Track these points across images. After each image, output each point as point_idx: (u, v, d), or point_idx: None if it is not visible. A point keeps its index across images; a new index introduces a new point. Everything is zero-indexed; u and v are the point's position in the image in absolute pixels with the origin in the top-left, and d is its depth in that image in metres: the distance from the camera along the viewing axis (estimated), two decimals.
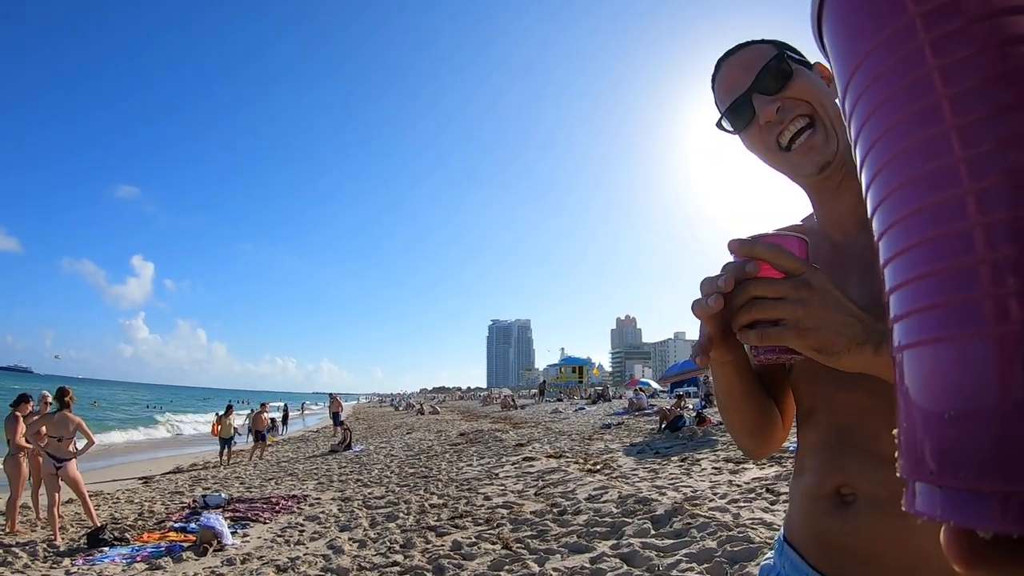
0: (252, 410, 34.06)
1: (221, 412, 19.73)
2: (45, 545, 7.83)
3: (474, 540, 6.58)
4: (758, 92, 1.10)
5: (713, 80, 1.20)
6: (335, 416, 22.12)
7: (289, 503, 10.09)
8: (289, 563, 6.49)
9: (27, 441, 8.69)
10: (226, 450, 18.36)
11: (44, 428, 8.29)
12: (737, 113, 1.14)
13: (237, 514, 9.21)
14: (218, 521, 7.72)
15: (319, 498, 10.55)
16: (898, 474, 0.33)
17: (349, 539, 7.38)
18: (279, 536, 7.90)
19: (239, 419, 30.75)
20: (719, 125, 1.20)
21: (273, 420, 38.99)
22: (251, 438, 20.49)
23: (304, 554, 6.84)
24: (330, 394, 21.93)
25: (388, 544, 6.85)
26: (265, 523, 8.74)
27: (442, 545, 6.54)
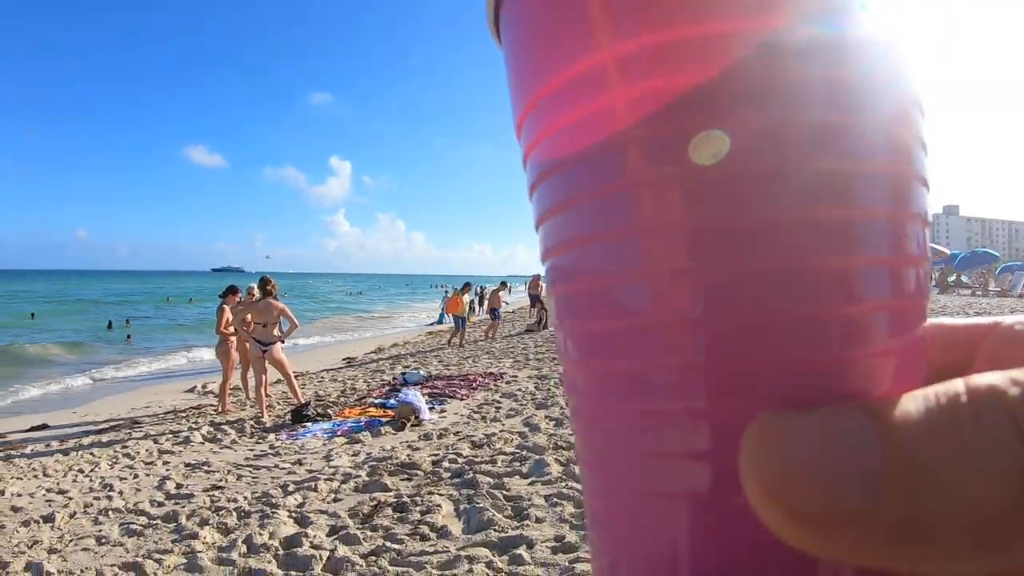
0: (446, 293, 35.31)
1: (457, 288, 18.27)
2: (252, 422, 8.08)
3: None
4: None
5: None
6: (533, 297, 21.86)
7: (486, 380, 9.86)
8: (484, 439, 6.11)
9: (233, 329, 8.97)
10: (461, 329, 17.03)
11: (249, 315, 8.42)
12: None
13: (435, 391, 9.08)
14: (416, 397, 7.52)
15: (516, 376, 10.25)
16: None
17: (546, 417, 6.91)
18: (475, 412, 7.61)
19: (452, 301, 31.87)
20: None
21: (472, 302, 40.29)
22: (486, 315, 20.39)
23: (500, 431, 6.45)
24: (532, 277, 21.59)
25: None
26: (462, 400, 8.52)
27: None
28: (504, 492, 4.55)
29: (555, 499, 4.34)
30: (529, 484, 4.75)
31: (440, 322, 30.38)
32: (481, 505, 4.27)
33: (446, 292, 36.44)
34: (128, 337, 24.28)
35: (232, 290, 9.32)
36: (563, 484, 4.64)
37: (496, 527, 3.95)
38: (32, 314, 38.69)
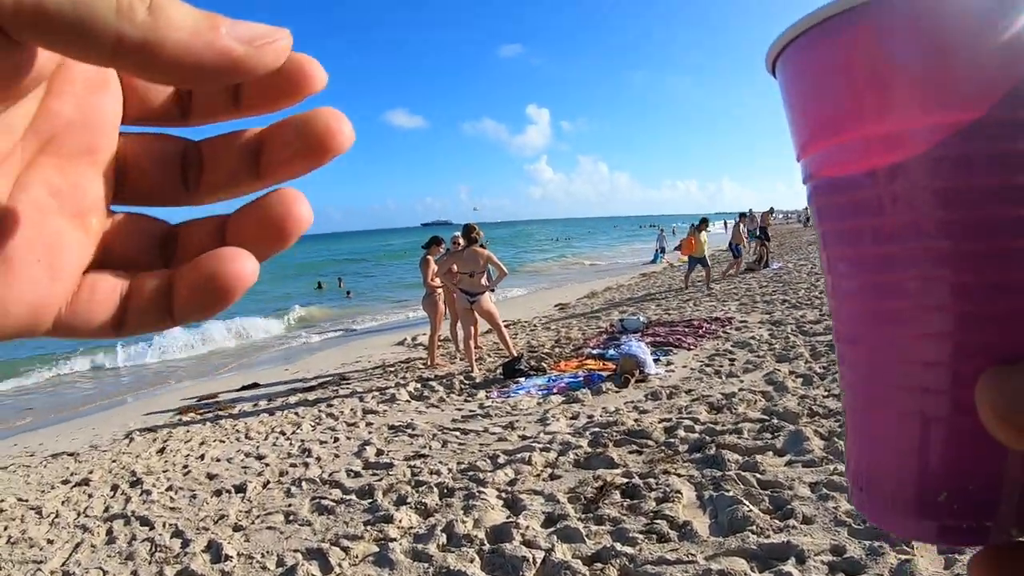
0: (661, 232, 33.98)
1: (695, 224, 15.65)
2: (462, 377, 7.71)
3: None
4: None
5: None
6: (751, 232, 20.04)
7: (713, 326, 8.83)
8: (724, 400, 5.20)
9: (439, 281, 8.62)
10: (706, 269, 14.80)
11: (455, 265, 8.01)
12: None
13: (657, 339, 8.23)
14: (640, 348, 6.73)
15: (745, 321, 9.14)
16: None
17: (790, 372, 5.86)
18: (707, 366, 6.68)
19: (671, 242, 30.60)
20: None
21: (682, 240, 38.54)
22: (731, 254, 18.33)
23: (739, 389, 5.50)
24: (740, 213, 19.52)
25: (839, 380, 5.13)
26: (689, 349, 7.60)
27: None
28: (757, 476, 3.65)
29: (823, 489, 3.36)
30: (787, 465, 3.81)
31: (654, 262, 29.32)
32: (731, 493, 3.40)
33: (660, 231, 35.19)
34: (348, 293, 25.57)
35: (435, 241, 8.99)
36: (830, 467, 3.64)
37: (754, 528, 3.07)
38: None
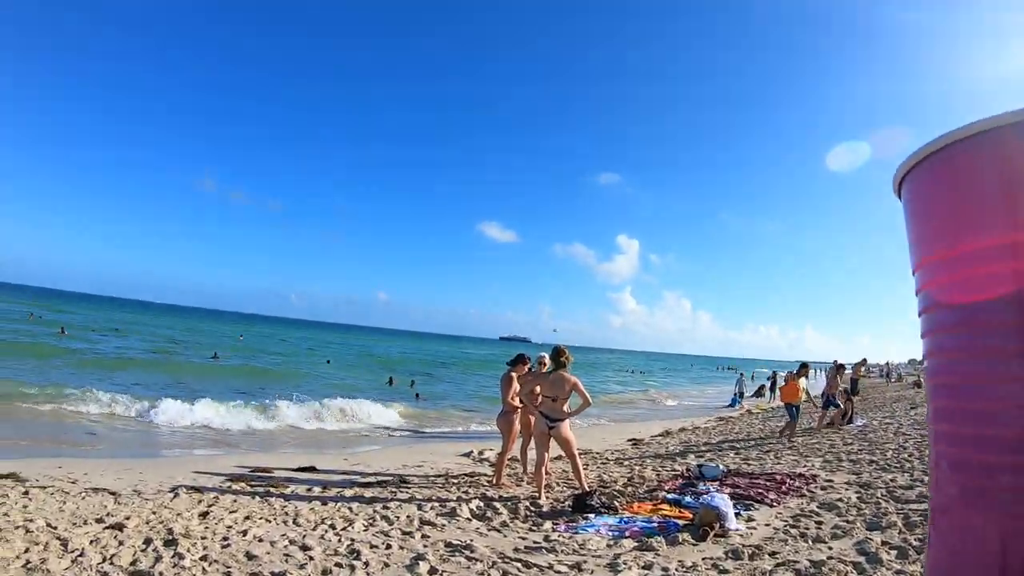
0: (740, 376, 33.13)
1: (792, 372, 15.46)
2: (528, 503, 7.41)
3: None
4: None
5: None
6: (852, 383, 19.07)
7: (797, 483, 8.33)
8: (813, 569, 4.79)
9: (520, 401, 8.49)
10: (794, 420, 14.33)
11: (539, 387, 7.89)
12: None
13: (737, 490, 7.78)
14: (723, 501, 6.35)
15: (831, 480, 8.59)
16: None
17: (883, 543, 5.39)
18: (791, 526, 6.22)
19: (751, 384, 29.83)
20: None
21: (761, 387, 37.57)
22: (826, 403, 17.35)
23: (829, 557, 5.08)
24: (836, 362, 18.48)
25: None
26: (772, 506, 7.14)
27: None
28: None
29: None
30: None
31: (732, 406, 28.50)
32: None
33: (740, 375, 34.35)
34: (417, 396, 25.61)
35: (521, 359, 8.89)
36: None
37: None
38: (328, 360, 44.79)
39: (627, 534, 5.97)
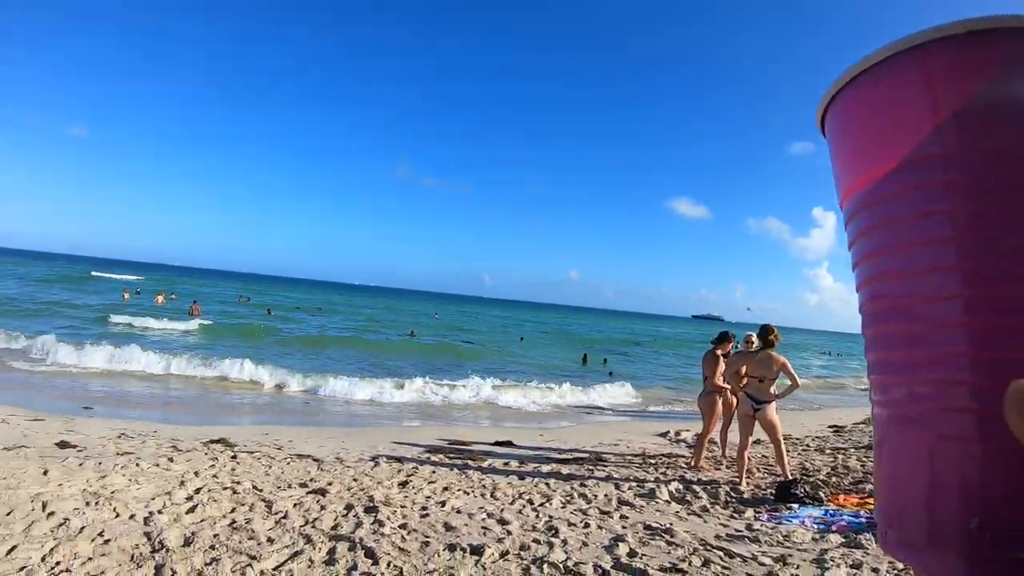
0: None
1: None
2: (728, 488, 7.26)
3: None
4: None
5: None
6: None
7: None
8: None
9: (725, 381, 8.36)
10: None
11: (745, 367, 7.72)
12: None
13: None
14: None
15: None
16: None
17: None
18: None
19: None
20: None
21: None
22: None
23: None
24: None
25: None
26: None
27: None
28: None
29: None
30: None
31: None
32: None
33: None
34: (610, 374, 25.58)
35: (726, 337, 8.66)
36: None
37: None
38: (521, 338, 45.63)
39: (833, 528, 5.73)
